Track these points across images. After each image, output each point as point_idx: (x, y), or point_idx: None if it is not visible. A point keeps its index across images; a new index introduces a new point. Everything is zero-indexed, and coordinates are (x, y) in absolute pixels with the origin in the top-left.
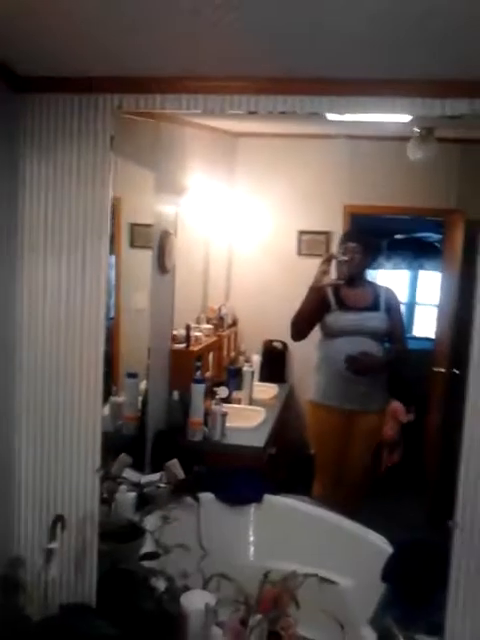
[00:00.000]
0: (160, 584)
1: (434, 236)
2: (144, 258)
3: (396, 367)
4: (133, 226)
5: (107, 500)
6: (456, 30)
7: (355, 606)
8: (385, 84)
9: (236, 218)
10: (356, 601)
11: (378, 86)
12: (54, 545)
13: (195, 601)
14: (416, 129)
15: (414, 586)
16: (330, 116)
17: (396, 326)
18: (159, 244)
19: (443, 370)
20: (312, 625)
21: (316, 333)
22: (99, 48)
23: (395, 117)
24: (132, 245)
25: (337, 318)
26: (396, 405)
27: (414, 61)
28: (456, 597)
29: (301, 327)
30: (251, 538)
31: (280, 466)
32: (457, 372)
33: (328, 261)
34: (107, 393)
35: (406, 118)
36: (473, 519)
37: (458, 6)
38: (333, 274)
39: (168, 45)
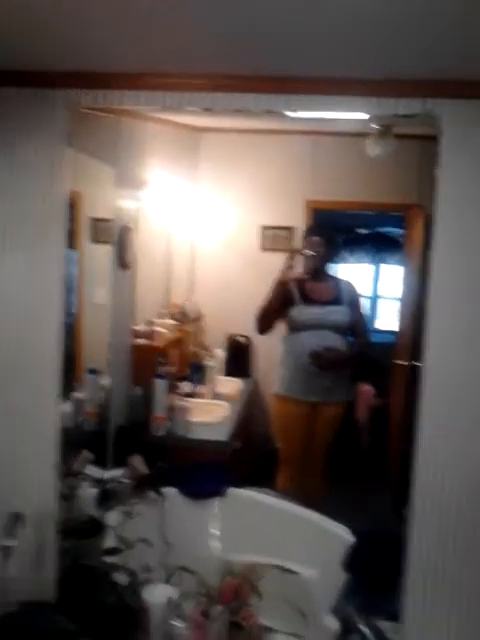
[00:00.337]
0: (122, 579)
1: (396, 231)
2: (106, 253)
3: (360, 360)
4: (94, 221)
5: (69, 496)
6: (409, 32)
7: (318, 596)
8: (340, 83)
9: (199, 213)
10: (319, 591)
11: (333, 85)
12: (11, 542)
13: (157, 595)
14: (375, 126)
15: (375, 575)
16: (288, 113)
17: (358, 319)
18: (119, 239)
19: (405, 362)
20: (275, 615)
21: (281, 327)
22: (56, 43)
23: (352, 115)
24: (94, 240)
25: (301, 312)
26: (366, 389)
27: (368, 62)
28: (413, 583)
29: (266, 321)
30: (215, 532)
31: (245, 460)
32: (418, 365)
33: (293, 255)
34: (68, 389)
35: (364, 115)
36: (427, 507)
37: (412, 9)
38: (298, 268)
39: (125, 42)
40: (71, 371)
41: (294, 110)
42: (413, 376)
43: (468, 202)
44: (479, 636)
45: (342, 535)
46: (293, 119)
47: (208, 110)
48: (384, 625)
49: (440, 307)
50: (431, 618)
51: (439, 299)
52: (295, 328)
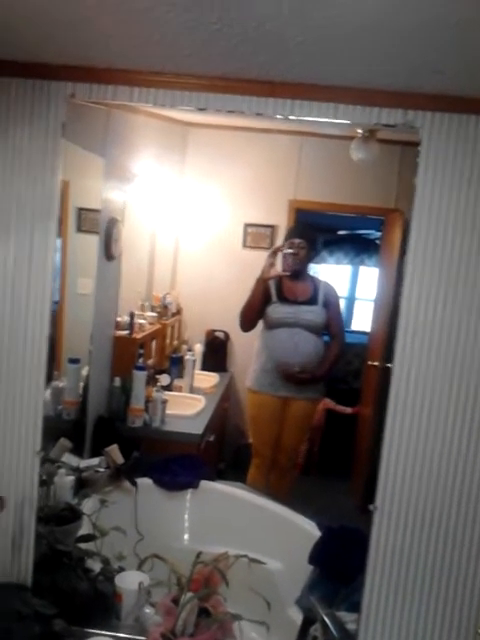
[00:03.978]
0: (96, 566)
1: (375, 233)
2: (91, 243)
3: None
4: (81, 211)
5: (46, 483)
6: (395, 46)
7: (284, 587)
8: (327, 90)
9: (184, 208)
10: (285, 582)
11: (320, 92)
12: None
13: (129, 581)
14: (359, 130)
15: (338, 568)
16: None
17: (334, 320)
18: (106, 230)
19: (377, 364)
20: (242, 603)
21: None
22: (49, 36)
23: (336, 121)
24: (79, 230)
25: (276, 310)
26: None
27: (354, 71)
28: (373, 575)
29: (249, 319)
30: (186, 523)
31: (218, 453)
32: (390, 366)
33: (275, 253)
34: (49, 377)
35: (347, 122)
36: (392, 501)
37: (399, 24)
38: (278, 266)
39: (121, 39)
40: (52, 360)
41: (285, 115)
42: (385, 377)
43: (444, 212)
44: (433, 626)
45: (309, 529)
46: (280, 119)
47: (201, 110)
48: (345, 616)
49: (411, 310)
50: (387, 607)
51: (411, 303)
52: (270, 325)
